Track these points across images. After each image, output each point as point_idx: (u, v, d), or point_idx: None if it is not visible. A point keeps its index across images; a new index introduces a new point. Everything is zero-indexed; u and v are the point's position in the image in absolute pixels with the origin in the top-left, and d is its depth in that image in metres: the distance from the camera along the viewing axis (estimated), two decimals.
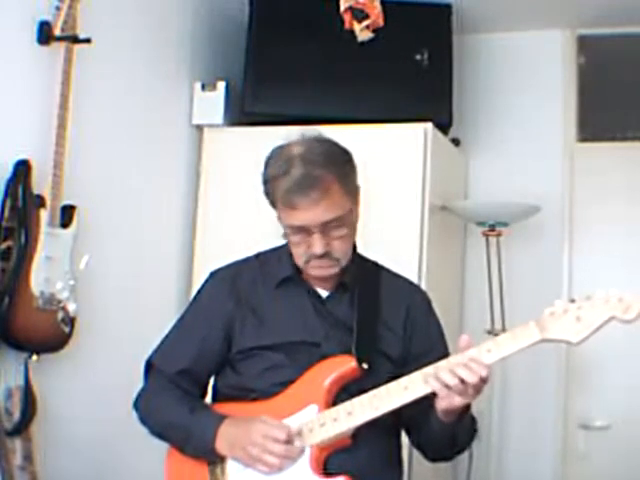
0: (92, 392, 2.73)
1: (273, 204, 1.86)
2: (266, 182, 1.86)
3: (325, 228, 1.80)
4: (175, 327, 2.05)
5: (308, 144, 1.84)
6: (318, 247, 1.81)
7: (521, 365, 3.39)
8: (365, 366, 1.83)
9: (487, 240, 3.45)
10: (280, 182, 1.80)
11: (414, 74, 3.27)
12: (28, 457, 2.40)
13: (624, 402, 3.46)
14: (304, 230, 1.81)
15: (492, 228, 3.39)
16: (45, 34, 2.49)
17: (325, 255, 1.83)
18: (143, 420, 1.97)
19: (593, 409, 3.50)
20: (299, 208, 1.79)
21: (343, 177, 1.84)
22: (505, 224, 3.39)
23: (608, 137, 3.70)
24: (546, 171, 3.67)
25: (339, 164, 1.84)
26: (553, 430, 3.54)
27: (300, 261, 1.87)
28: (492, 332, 3.37)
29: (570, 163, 3.68)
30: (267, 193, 1.87)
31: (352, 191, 1.87)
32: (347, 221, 1.84)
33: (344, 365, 1.83)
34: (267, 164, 1.88)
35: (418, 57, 3.27)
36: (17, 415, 2.39)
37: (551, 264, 3.63)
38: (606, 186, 3.60)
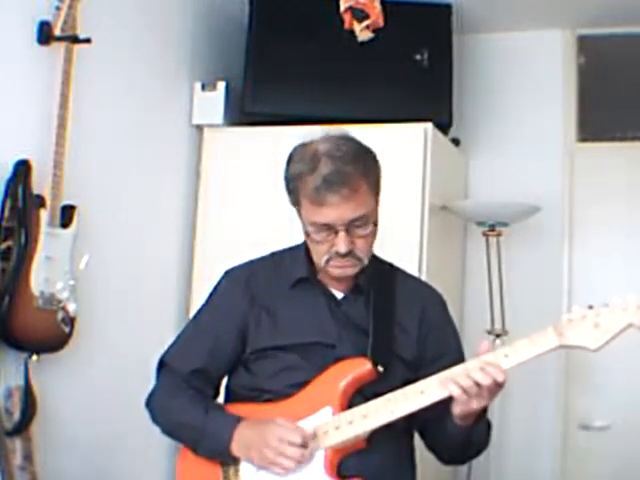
0: (92, 392, 2.73)
1: (296, 202, 1.85)
2: (290, 179, 1.85)
3: (350, 226, 1.80)
4: (189, 326, 2.05)
5: (334, 141, 1.83)
6: (343, 246, 1.79)
7: (521, 365, 3.39)
8: (380, 369, 1.82)
9: (487, 240, 3.45)
10: (307, 179, 1.79)
11: (414, 74, 3.27)
12: (28, 457, 2.40)
13: (624, 402, 3.46)
14: (329, 228, 1.80)
15: (492, 228, 3.39)
16: (45, 34, 2.49)
17: (348, 254, 1.81)
18: (155, 419, 1.96)
19: (593, 409, 3.50)
20: (327, 205, 1.77)
21: (370, 175, 1.84)
22: (505, 224, 3.39)
23: (608, 137, 3.70)
24: (546, 171, 3.67)
25: (366, 162, 1.84)
26: (553, 430, 3.54)
27: (321, 260, 1.85)
28: (492, 332, 3.37)
29: (570, 163, 3.68)
30: (290, 190, 1.85)
31: (376, 190, 1.87)
32: (371, 220, 1.83)
33: (360, 367, 1.82)
34: (290, 161, 1.87)
35: (418, 57, 3.27)
36: (17, 415, 2.38)
37: (551, 264, 3.63)
38: (606, 186, 3.60)
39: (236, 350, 1.94)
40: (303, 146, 1.86)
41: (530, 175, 3.66)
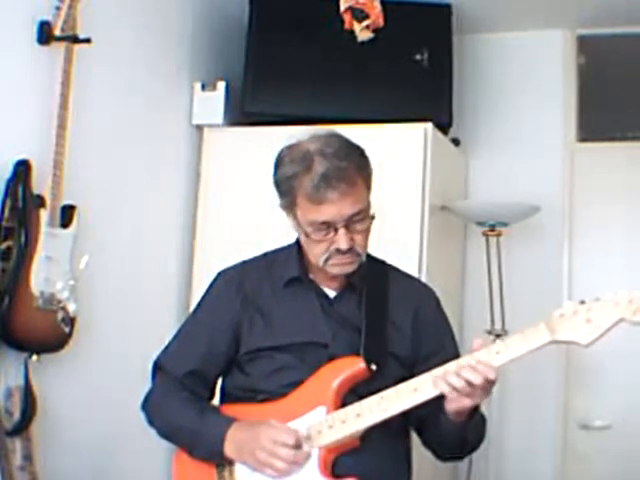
0: (92, 392, 2.73)
1: (291, 203, 1.84)
2: (282, 181, 1.84)
3: (350, 222, 1.80)
4: (183, 328, 2.04)
5: (323, 140, 1.83)
6: (344, 242, 1.80)
7: (521, 365, 3.36)
8: (374, 367, 1.82)
9: (487, 240, 3.45)
10: (303, 179, 1.79)
11: (414, 74, 3.27)
12: (28, 457, 2.39)
13: (624, 402, 3.46)
14: (328, 226, 1.80)
15: (492, 228, 3.39)
16: (45, 34, 2.49)
17: (349, 250, 1.81)
18: (151, 422, 1.97)
19: (593, 409, 3.50)
20: (327, 202, 1.77)
21: (363, 170, 1.84)
22: (505, 224, 3.39)
23: (608, 137, 3.70)
24: (546, 171, 3.67)
25: (357, 157, 1.84)
26: (553, 430, 3.54)
27: (320, 259, 1.84)
28: (492, 332, 3.37)
29: (570, 163, 3.68)
30: (284, 192, 1.84)
31: (369, 185, 1.87)
32: (367, 214, 1.84)
33: (352, 366, 1.82)
34: (280, 164, 1.86)
35: (418, 57, 3.27)
36: (17, 415, 2.38)
37: (551, 264, 3.63)
38: (606, 186, 3.60)
39: (230, 351, 1.94)
40: (290, 147, 1.85)
41: (530, 175, 3.66)
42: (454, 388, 1.69)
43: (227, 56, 3.51)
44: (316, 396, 1.82)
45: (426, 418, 1.88)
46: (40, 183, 2.43)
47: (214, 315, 1.97)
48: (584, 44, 3.76)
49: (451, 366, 1.72)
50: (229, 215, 3.29)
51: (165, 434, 1.95)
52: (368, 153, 1.89)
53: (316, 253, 1.85)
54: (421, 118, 3.17)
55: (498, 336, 3.34)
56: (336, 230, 1.80)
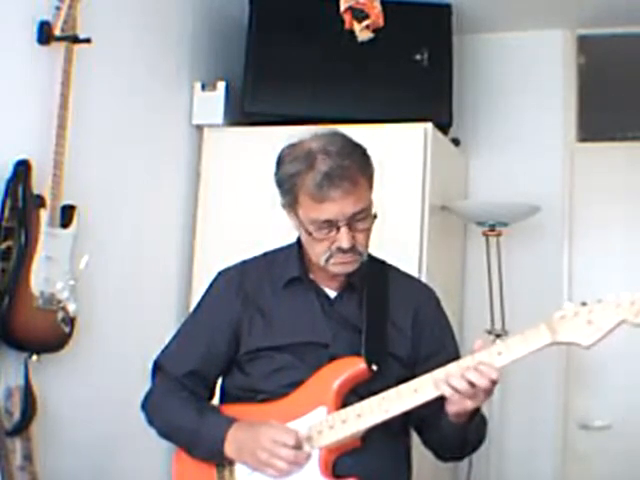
0: (92, 392, 2.73)
1: (294, 201, 1.83)
2: (285, 180, 1.84)
3: (352, 221, 1.80)
4: (183, 328, 2.04)
5: (326, 139, 1.83)
6: (346, 241, 1.79)
7: (521, 365, 3.36)
8: (374, 368, 1.82)
9: (487, 240, 3.45)
10: (305, 177, 1.79)
11: (414, 74, 3.27)
12: (28, 457, 2.39)
13: (624, 402, 3.46)
14: (330, 225, 1.80)
15: (492, 228, 3.39)
16: (45, 34, 2.49)
17: (350, 249, 1.81)
18: (151, 422, 1.97)
19: (593, 409, 3.50)
20: (329, 201, 1.77)
21: (366, 169, 1.84)
22: (505, 224, 3.39)
23: (608, 137, 3.70)
24: (546, 171, 3.67)
25: (360, 155, 1.84)
26: (553, 430, 3.54)
27: (321, 258, 1.84)
28: (492, 332, 3.37)
29: (570, 163, 3.69)
30: (286, 191, 1.84)
31: (371, 183, 1.87)
32: (369, 213, 1.84)
33: (353, 366, 1.82)
34: (282, 162, 1.86)
35: (418, 57, 3.27)
36: (17, 415, 2.38)
37: (551, 264, 3.63)
38: (606, 186, 3.60)
39: (230, 351, 1.94)
40: (293, 146, 1.85)
41: (530, 175, 3.66)
42: (456, 390, 1.69)
43: (227, 56, 3.51)
44: (317, 396, 1.82)
45: (427, 418, 1.88)
46: (40, 183, 2.43)
47: (214, 315, 1.97)
48: (584, 44, 3.76)
49: (452, 367, 1.72)
50: (229, 215, 3.29)
51: (165, 434, 1.95)
52: (368, 153, 1.89)
53: (318, 252, 1.85)
54: (421, 118, 3.17)
55: (498, 336, 3.34)
56: (338, 229, 1.80)
